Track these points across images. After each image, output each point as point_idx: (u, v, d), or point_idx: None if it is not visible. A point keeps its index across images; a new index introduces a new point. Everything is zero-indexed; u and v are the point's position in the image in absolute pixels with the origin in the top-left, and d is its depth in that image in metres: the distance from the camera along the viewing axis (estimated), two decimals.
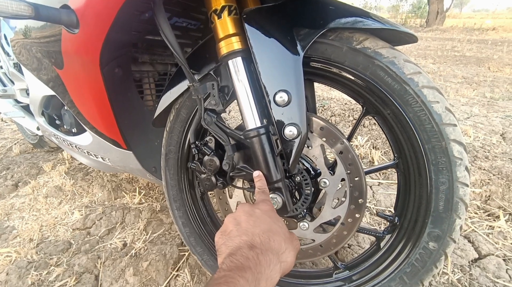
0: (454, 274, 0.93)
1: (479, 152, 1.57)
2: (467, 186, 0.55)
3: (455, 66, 4.36)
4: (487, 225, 1.14)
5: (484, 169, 1.40)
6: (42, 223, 1.25)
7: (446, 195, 0.55)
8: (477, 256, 1.01)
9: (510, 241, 1.06)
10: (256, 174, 0.57)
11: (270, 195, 0.58)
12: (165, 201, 1.40)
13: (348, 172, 0.60)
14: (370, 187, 1.42)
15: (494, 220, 1.16)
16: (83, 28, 0.55)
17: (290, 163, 0.57)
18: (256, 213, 0.46)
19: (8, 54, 1.21)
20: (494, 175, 1.35)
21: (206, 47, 0.67)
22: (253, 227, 0.44)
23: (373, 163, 1.60)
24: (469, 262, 0.98)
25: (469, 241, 1.07)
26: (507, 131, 1.98)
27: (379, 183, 1.44)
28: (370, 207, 1.27)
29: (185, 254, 1.02)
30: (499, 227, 1.12)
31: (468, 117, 2.26)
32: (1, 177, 1.63)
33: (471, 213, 1.21)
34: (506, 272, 0.93)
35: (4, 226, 1.25)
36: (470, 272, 0.94)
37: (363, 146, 1.72)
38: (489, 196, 1.26)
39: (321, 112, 2.39)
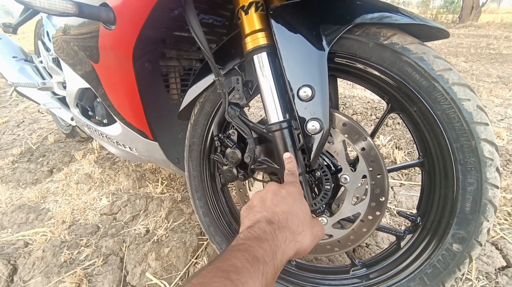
0: (478, 280, 0.90)
1: None
2: (497, 188, 0.53)
3: (489, 64, 4.09)
4: None
5: None
6: (74, 207, 1.34)
7: (473, 196, 0.54)
8: (505, 264, 0.96)
9: None
10: (287, 155, 0.57)
11: None
12: (186, 191, 1.45)
13: (370, 169, 0.60)
14: (392, 187, 1.38)
15: None
16: (120, 25, 0.59)
17: (312, 157, 0.58)
18: (281, 193, 0.48)
19: (48, 50, 1.31)
20: None
21: (232, 43, 0.68)
22: (275, 206, 0.46)
23: (396, 163, 1.56)
24: (495, 269, 0.94)
25: (497, 248, 1.02)
26: None
27: (401, 183, 1.40)
28: (390, 208, 1.24)
29: (203, 243, 1.05)
30: None
31: (502, 119, 2.13)
32: (38, 163, 1.76)
33: (500, 219, 1.15)
34: None
35: (41, 207, 1.36)
36: (496, 280, 0.90)
37: (385, 145, 1.68)
38: None
39: (343, 111, 2.35)
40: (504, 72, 3.57)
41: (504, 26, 9.61)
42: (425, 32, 0.57)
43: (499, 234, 1.08)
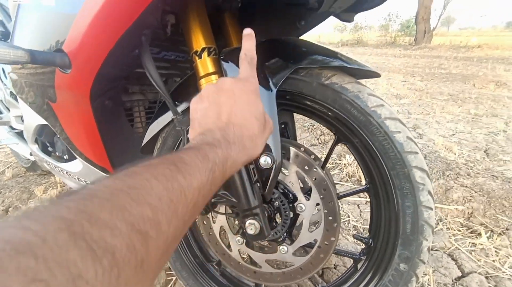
0: None
1: (462, 169, 1.62)
2: (432, 209, 0.59)
3: (442, 83, 4.52)
4: (469, 242, 1.17)
5: (466, 186, 1.45)
6: None
7: (412, 218, 0.59)
8: (460, 274, 1.03)
9: (491, 258, 1.08)
10: (247, 31, 0.50)
11: (248, 221, 0.61)
12: None
13: (322, 197, 0.64)
14: (358, 205, 1.45)
15: (476, 237, 1.19)
16: (75, 68, 0.60)
17: (266, 190, 0.61)
18: (235, 94, 0.44)
19: (5, 84, 1.27)
20: (476, 192, 1.40)
21: (190, 81, 0.72)
22: (229, 116, 0.43)
23: (361, 181, 1.64)
24: (452, 280, 1.00)
25: (452, 259, 1.10)
26: (490, 147, 2.05)
27: (367, 201, 1.47)
28: (357, 226, 1.29)
29: (172, 278, 1.02)
30: (481, 244, 1.15)
31: (453, 134, 2.34)
32: None
33: (454, 230, 1.24)
34: None
35: None
36: None
37: (350, 164, 1.77)
38: (472, 213, 1.30)
39: (311, 131, 2.46)
40: (454, 90, 3.95)
41: (453, 48, 10.75)
42: (361, 72, 0.65)
43: (454, 245, 1.16)
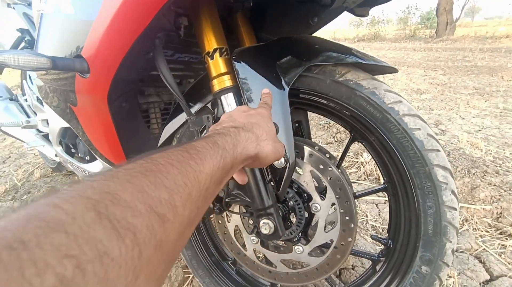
0: None
1: (489, 166, 1.53)
2: (455, 209, 0.56)
3: (466, 76, 4.29)
4: (499, 244, 1.10)
5: (494, 185, 1.37)
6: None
7: (434, 219, 0.56)
8: (488, 277, 0.97)
9: None
10: (266, 91, 0.59)
11: (262, 220, 0.61)
12: None
13: (338, 196, 0.62)
14: (376, 205, 1.41)
15: (506, 239, 1.12)
16: (93, 73, 0.63)
17: (280, 189, 0.60)
18: (250, 112, 0.50)
19: (32, 90, 1.34)
20: (505, 191, 1.31)
21: (203, 82, 0.72)
22: (243, 119, 0.47)
23: (379, 180, 1.59)
24: (480, 283, 0.95)
25: (480, 261, 1.04)
26: None
27: (386, 200, 1.42)
28: (376, 226, 1.26)
29: (189, 276, 1.04)
30: None
31: (480, 130, 2.21)
32: (23, 201, 1.74)
33: (481, 231, 1.17)
34: None
35: None
36: None
37: (368, 162, 1.72)
38: (501, 213, 1.22)
39: (327, 129, 2.42)
40: (479, 83, 3.74)
41: (478, 39, 10.18)
42: (377, 68, 0.63)
43: (481, 246, 1.10)
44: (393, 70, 0.62)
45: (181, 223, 0.27)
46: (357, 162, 1.78)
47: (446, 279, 0.95)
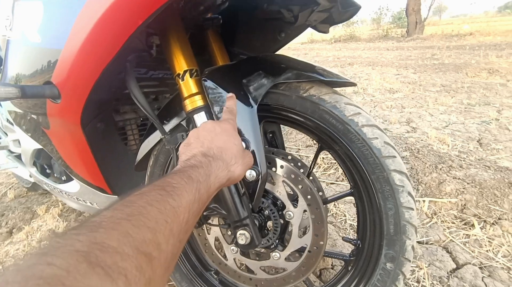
0: (433, 286, 0.98)
1: (455, 161, 1.65)
2: (412, 209, 0.62)
3: (434, 74, 4.54)
4: (464, 234, 1.19)
5: (459, 178, 1.47)
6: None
7: (394, 219, 0.62)
8: (455, 266, 1.05)
9: (485, 249, 1.11)
10: (230, 94, 0.62)
11: (239, 231, 0.64)
12: None
13: (308, 203, 0.67)
14: (354, 204, 1.47)
15: (470, 229, 1.21)
16: (65, 98, 0.63)
17: (254, 201, 0.64)
18: (216, 130, 0.52)
19: (1, 111, 1.30)
20: (468, 184, 1.42)
21: (176, 101, 0.75)
22: (210, 142, 0.50)
23: None
24: (447, 272, 1.03)
25: (447, 252, 1.12)
26: (483, 137, 2.08)
27: None
28: (354, 225, 1.32)
29: None
30: (475, 235, 1.18)
31: (447, 126, 2.36)
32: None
33: (448, 223, 1.26)
34: (482, 280, 0.98)
35: None
36: (448, 283, 0.98)
37: None
38: (465, 205, 1.33)
39: None
40: (446, 81, 3.98)
41: (445, 37, 10.77)
42: (338, 82, 0.68)
43: (449, 237, 1.19)
44: (352, 84, 0.68)
45: (166, 258, 0.30)
46: (334, 163, 1.85)
47: (417, 271, 1.03)
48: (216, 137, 0.51)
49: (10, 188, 2.12)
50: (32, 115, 0.82)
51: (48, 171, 1.10)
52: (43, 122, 0.77)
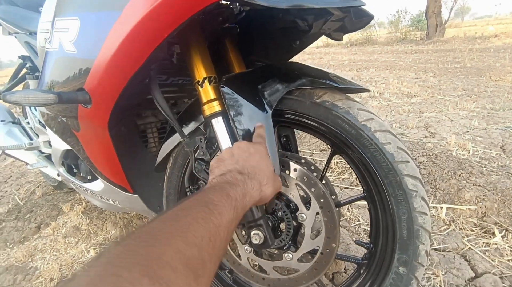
0: None
1: (475, 167, 1.60)
2: (426, 214, 0.62)
3: (455, 78, 4.40)
4: (483, 242, 1.16)
5: (479, 185, 1.43)
6: (62, 262, 1.35)
7: (407, 224, 0.62)
8: (473, 274, 1.03)
9: (506, 258, 1.07)
10: (259, 124, 0.65)
11: (253, 231, 0.67)
12: None
13: (321, 206, 0.68)
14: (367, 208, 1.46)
15: (490, 237, 1.18)
16: (95, 104, 0.69)
17: (268, 203, 0.66)
18: (250, 150, 0.55)
19: (34, 114, 1.41)
20: (489, 191, 1.38)
21: (195, 106, 0.79)
22: (245, 161, 0.52)
23: None
24: (465, 281, 1.00)
25: (465, 260, 1.10)
26: (506, 143, 2.00)
27: None
28: (368, 230, 1.31)
29: None
30: (495, 244, 1.14)
31: (467, 131, 2.29)
32: (26, 219, 1.78)
33: (467, 230, 1.23)
34: None
35: (28, 267, 1.37)
36: None
37: None
38: (485, 212, 1.28)
39: None
40: (468, 85, 3.84)
41: (467, 39, 10.38)
42: (352, 88, 0.70)
43: (467, 245, 1.16)
44: (365, 90, 0.69)
45: (209, 275, 0.32)
46: (348, 168, 1.84)
47: (433, 278, 1.01)
48: (250, 157, 0.53)
49: (38, 186, 2.26)
50: (63, 119, 0.88)
51: (75, 170, 1.18)
52: (73, 125, 0.83)
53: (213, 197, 0.40)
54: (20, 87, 1.61)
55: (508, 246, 1.11)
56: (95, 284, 0.22)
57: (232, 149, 0.56)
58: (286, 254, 0.73)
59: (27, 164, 1.51)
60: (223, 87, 0.68)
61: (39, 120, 1.40)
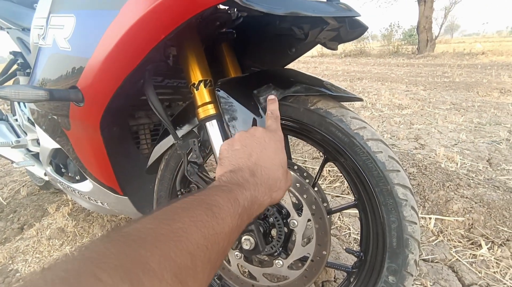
0: None
1: (463, 179, 1.63)
2: (415, 223, 0.63)
3: (445, 92, 4.52)
4: (470, 254, 1.17)
5: (466, 197, 1.46)
6: (44, 265, 1.30)
7: (397, 233, 0.63)
8: (460, 286, 1.04)
9: (492, 270, 1.09)
10: (271, 97, 0.60)
11: (244, 236, 0.66)
12: None
13: (313, 213, 0.68)
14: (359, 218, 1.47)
15: (477, 249, 1.19)
16: (87, 103, 0.68)
17: None
18: (265, 141, 0.49)
19: (23, 111, 1.37)
20: (476, 203, 1.40)
21: (190, 108, 0.79)
22: (258, 157, 0.47)
23: None
24: None
25: (453, 271, 1.11)
26: (493, 156, 2.05)
27: None
28: (358, 239, 1.31)
29: None
30: (482, 256, 1.15)
31: (456, 144, 2.34)
32: (8, 220, 1.72)
33: (455, 242, 1.25)
34: None
35: (8, 269, 1.32)
36: None
37: None
38: (472, 224, 1.31)
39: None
40: (457, 99, 3.96)
41: (456, 55, 10.74)
42: (345, 97, 0.71)
43: (455, 256, 1.17)
44: (359, 99, 0.70)
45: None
46: (340, 176, 1.85)
47: None
48: (265, 151, 0.49)
49: (23, 186, 2.19)
50: (53, 116, 0.87)
51: (63, 170, 1.15)
52: (63, 123, 0.82)
53: (219, 198, 0.36)
54: (10, 83, 1.58)
55: (494, 258, 1.13)
56: (70, 284, 0.21)
57: (246, 136, 0.50)
58: (277, 261, 0.73)
59: (13, 162, 1.47)
60: (219, 91, 0.68)
61: (28, 117, 1.37)
